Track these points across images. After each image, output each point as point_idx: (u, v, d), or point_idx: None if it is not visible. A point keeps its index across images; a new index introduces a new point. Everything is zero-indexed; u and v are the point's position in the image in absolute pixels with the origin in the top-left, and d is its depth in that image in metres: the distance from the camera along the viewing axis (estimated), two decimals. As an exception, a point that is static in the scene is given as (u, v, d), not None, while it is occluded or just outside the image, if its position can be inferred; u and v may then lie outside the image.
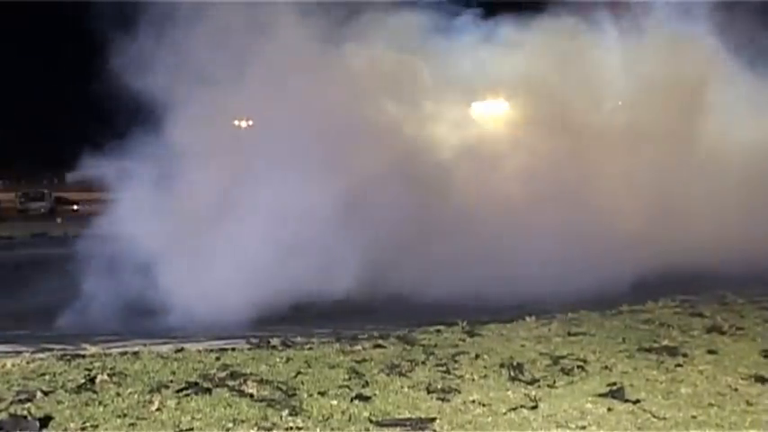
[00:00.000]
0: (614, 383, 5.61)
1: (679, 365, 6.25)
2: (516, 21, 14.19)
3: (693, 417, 4.91)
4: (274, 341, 7.40)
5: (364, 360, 6.50)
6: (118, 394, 5.33)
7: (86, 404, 5.09)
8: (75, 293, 10.74)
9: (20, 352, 7.05)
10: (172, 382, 5.68)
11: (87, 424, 4.69)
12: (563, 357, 6.53)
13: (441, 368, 6.20)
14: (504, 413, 4.98)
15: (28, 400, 5.18)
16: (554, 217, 12.44)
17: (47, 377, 5.89)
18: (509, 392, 5.46)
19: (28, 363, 6.37)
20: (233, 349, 7.06)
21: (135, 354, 6.76)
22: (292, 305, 10.37)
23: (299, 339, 7.53)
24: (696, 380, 5.80)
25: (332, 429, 4.67)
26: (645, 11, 15.11)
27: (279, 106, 11.67)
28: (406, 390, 5.55)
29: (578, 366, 6.18)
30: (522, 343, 7.24)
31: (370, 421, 4.81)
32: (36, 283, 12.40)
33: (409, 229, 11.64)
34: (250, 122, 14.01)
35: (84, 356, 6.70)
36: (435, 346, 7.15)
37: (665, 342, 7.10)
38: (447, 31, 13.87)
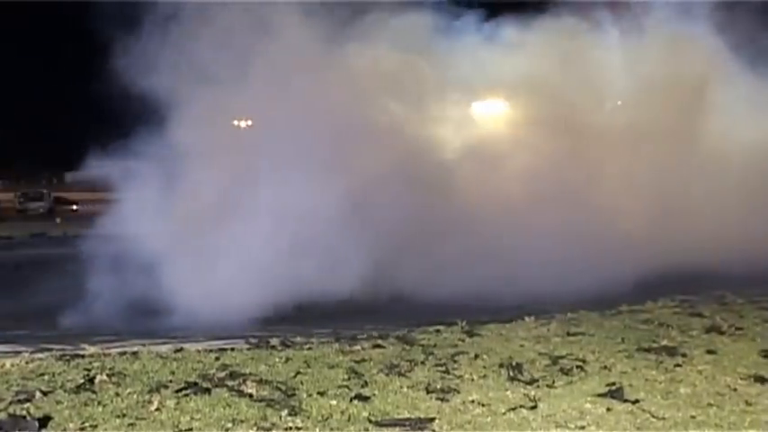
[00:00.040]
0: (613, 383, 5.61)
1: (678, 365, 6.25)
2: (518, 21, 14.21)
3: (692, 417, 4.91)
4: (273, 341, 7.40)
5: (363, 360, 6.51)
6: (117, 394, 5.33)
7: (85, 404, 5.09)
8: (75, 293, 10.74)
9: (19, 352, 7.06)
10: (171, 382, 5.68)
11: (86, 424, 4.69)
12: (562, 357, 6.53)
13: (440, 368, 6.20)
14: (504, 413, 4.98)
15: (27, 400, 5.18)
16: (556, 217, 12.44)
17: (46, 377, 5.89)
18: (508, 392, 5.46)
19: (27, 363, 6.37)
20: (232, 349, 7.06)
21: (134, 354, 6.76)
22: (296, 305, 10.37)
23: (298, 339, 7.53)
24: (695, 380, 5.80)
25: (331, 429, 4.67)
26: (645, 11, 15.11)
27: (282, 106, 11.68)
28: (405, 390, 5.55)
29: (577, 366, 6.18)
30: (521, 343, 7.24)
31: (370, 421, 4.81)
32: (35, 283, 12.40)
33: (412, 230, 11.66)
34: (249, 122, 14.02)
35: (83, 356, 6.70)
36: (434, 346, 7.15)
37: (665, 342, 7.10)
38: (449, 32, 13.89)
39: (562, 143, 13.49)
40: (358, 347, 7.02)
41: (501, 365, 6.23)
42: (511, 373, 5.98)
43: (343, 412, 4.97)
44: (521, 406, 5.11)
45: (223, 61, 11.66)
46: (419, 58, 13.34)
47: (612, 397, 5.28)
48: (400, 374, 5.99)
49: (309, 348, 7.06)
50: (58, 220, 35.62)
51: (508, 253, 11.67)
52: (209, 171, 11.47)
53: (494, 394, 5.41)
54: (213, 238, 11.03)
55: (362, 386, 5.63)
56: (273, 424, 4.71)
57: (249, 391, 5.40)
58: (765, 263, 11.88)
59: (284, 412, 4.91)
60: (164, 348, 7.07)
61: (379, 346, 7.13)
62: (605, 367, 6.20)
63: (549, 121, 13.63)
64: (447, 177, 13.01)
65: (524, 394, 5.41)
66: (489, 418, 4.88)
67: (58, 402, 5.13)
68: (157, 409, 4.97)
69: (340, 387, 5.60)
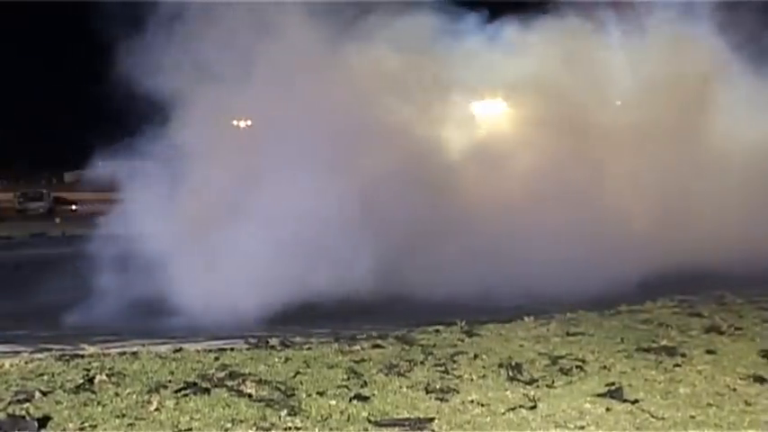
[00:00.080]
0: (613, 383, 5.61)
1: (677, 365, 6.25)
2: (521, 22, 14.23)
3: (692, 417, 4.91)
4: (273, 341, 7.40)
5: (363, 360, 6.50)
6: (116, 394, 5.33)
7: (85, 404, 5.09)
8: (75, 293, 10.75)
9: (18, 352, 7.06)
10: (170, 382, 5.68)
11: (86, 424, 4.69)
12: (562, 357, 6.53)
13: (439, 368, 6.20)
14: (503, 413, 4.98)
15: (26, 400, 5.17)
16: (558, 217, 12.46)
17: (45, 377, 5.88)
18: (508, 392, 5.46)
19: (26, 363, 6.37)
20: (231, 349, 7.06)
21: (133, 354, 6.76)
22: (298, 305, 10.36)
23: (297, 339, 7.54)
24: (695, 380, 5.80)
25: (330, 429, 4.67)
26: (648, 11, 15.12)
27: (286, 107, 11.70)
28: (404, 390, 5.55)
29: (577, 366, 6.18)
30: (520, 343, 7.24)
31: (369, 421, 4.81)
32: (35, 283, 12.40)
33: (414, 230, 11.68)
34: (249, 122, 14.02)
35: (82, 356, 6.70)
36: (434, 346, 7.15)
37: (664, 342, 7.10)
38: (453, 33, 13.90)
39: (565, 143, 13.51)
40: (357, 347, 7.02)
41: (500, 365, 6.22)
42: (510, 373, 5.98)
43: (342, 412, 4.97)
44: (520, 406, 5.11)
45: (228, 61, 11.67)
46: (422, 58, 13.36)
47: (612, 397, 5.28)
48: (399, 374, 5.99)
49: (309, 348, 7.06)
50: (57, 220, 35.64)
51: (510, 253, 11.68)
52: (211, 171, 11.48)
53: (493, 394, 5.41)
54: (216, 239, 11.04)
55: (362, 386, 5.63)
56: (273, 424, 4.70)
57: (248, 391, 5.40)
58: (765, 263, 11.89)
59: (283, 412, 4.91)
60: (163, 348, 7.07)
61: (378, 346, 7.13)
62: (605, 367, 6.20)
63: (552, 122, 13.64)
64: (450, 178, 13.03)
65: (524, 394, 5.41)
66: (489, 418, 4.88)
67: (58, 402, 5.13)
68: (157, 409, 4.97)
69: (339, 387, 5.59)
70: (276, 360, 6.51)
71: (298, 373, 6.02)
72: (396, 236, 11.37)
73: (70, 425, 4.67)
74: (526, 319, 8.51)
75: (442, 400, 5.27)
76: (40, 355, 6.81)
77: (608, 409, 5.05)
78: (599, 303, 9.46)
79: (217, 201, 11.29)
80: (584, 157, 13.49)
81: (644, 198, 13.74)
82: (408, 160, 12.22)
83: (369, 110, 12.31)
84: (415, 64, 13.22)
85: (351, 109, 11.99)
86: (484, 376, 5.94)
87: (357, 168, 11.62)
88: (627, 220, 13.24)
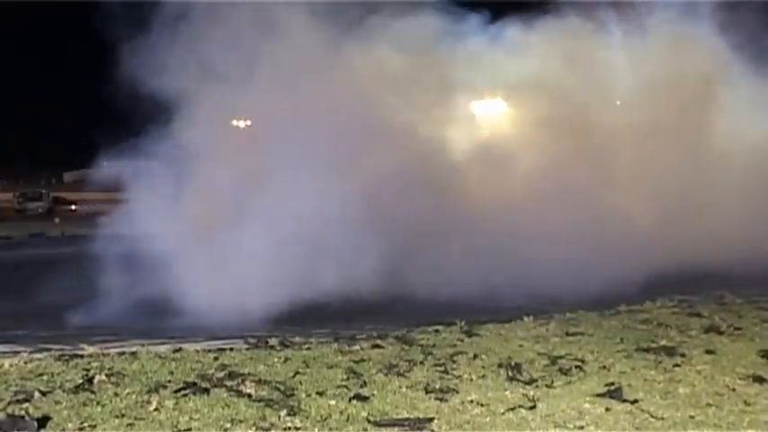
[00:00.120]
0: (612, 383, 5.61)
1: (677, 365, 6.25)
2: (523, 22, 14.25)
3: (691, 417, 4.91)
4: (272, 341, 7.40)
5: (362, 360, 6.50)
6: (116, 394, 5.33)
7: (84, 404, 5.08)
8: (75, 294, 10.75)
9: (18, 352, 7.05)
10: (170, 382, 5.68)
11: (85, 424, 4.69)
12: (561, 357, 6.53)
13: (439, 368, 6.20)
14: (503, 413, 4.98)
15: (26, 400, 5.17)
16: (562, 217, 12.48)
17: (45, 377, 5.88)
18: (507, 392, 5.46)
19: (26, 363, 6.36)
20: (231, 349, 7.06)
21: (133, 354, 6.76)
22: (304, 306, 10.35)
23: (297, 339, 7.53)
24: (694, 380, 5.80)
25: (330, 429, 4.66)
26: (649, 11, 15.13)
27: (291, 107, 11.71)
28: (404, 390, 5.55)
29: (576, 366, 6.18)
30: (520, 343, 7.24)
31: (369, 421, 4.81)
32: (34, 283, 12.40)
33: (420, 230, 11.71)
34: (248, 123, 14.03)
35: (82, 357, 6.69)
36: (433, 346, 7.15)
37: (663, 342, 7.10)
38: (455, 34, 13.92)
39: (566, 143, 13.53)
40: (357, 347, 7.02)
41: (500, 365, 6.23)
42: (510, 373, 5.98)
43: (341, 412, 4.97)
44: (520, 406, 5.11)
45: (233, 61, 11.67)
46: (426, 59, 13.38)
47: (611, 397, 5.28)
48: (399, 374, 5.99)
49: (308, 348, 7.06)
50: (56, 220, 35.64)
51: (512, 253, 11.71)
52: (216, 171, 11.49)
53: (493, 394, 5.41)
54: (221, 239, 11.04)
55: (361, 386, 5.63)
56: (272, 424, 4.70)
57: (248, 391, 5.39)
58: (764, 263, 11.90)
59: (283, 412, 4.91)
60: (162, 348, 7.07)
61: (378, 346, 7.13)
62: (604, 367, 6.20)
63: (554, 122, 13.65)
64: (453, 178, 13.07)
65: (523, 394, 5.41)
66: (488, 418, 4.88)
67: (57, 402, 5.13)
68: (156, 410, 4.97)
69: (339, 387, 5.59)
70: (276, 360, 6.50)
71: (297, 373, 6.02)
72: (399, 236, 11.38)
73: (69, 425, 4.67)
74: (526, 319, 8.51)
75: (441, 400, 5.27)
76: (39, 355, 6.81)
77: (607, 409, 5.05)
78: (598, 303, 9.46)
79: (221, 201, 11.30)
80: (586, 157, 13.50)
81: (645, 198, 13.74)
82: (411, 160, 12.25)
83: (372, 110, 12.33)
84: (419, 64, 13.25)
85: (355, 109, 12.01)
86: (483, 376, 5.94)
87: (361, 169, 11.64)
88: (628, 219, 13.25)
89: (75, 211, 42.20)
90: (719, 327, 7.83)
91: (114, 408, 5.01)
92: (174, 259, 10.86)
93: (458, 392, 5.44)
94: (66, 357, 6.64)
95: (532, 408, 5.08)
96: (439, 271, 11.51)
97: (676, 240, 12.83)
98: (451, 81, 13.75)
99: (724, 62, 14.82)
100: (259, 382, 5.65)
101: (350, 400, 5.22)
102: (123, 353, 6.82)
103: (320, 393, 5.40)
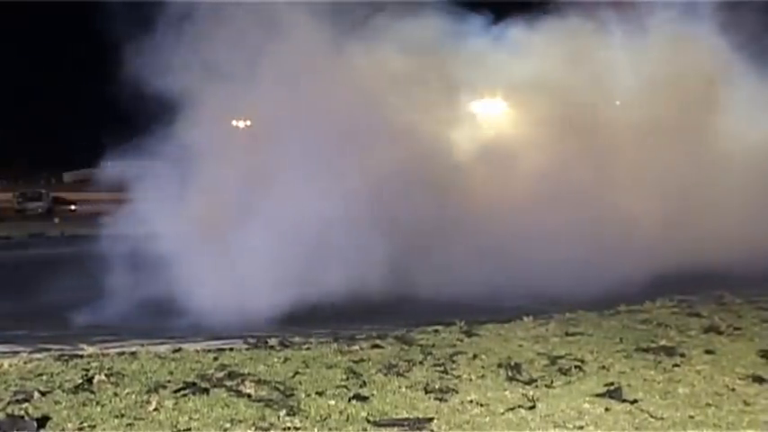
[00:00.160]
0: (612, 383, 5.61)
1: (676, 365, 6.25)
2: (525, 22, 14.27)
3: (691, 417, 4.91)
4: (272, 341, 7.40)
5: (362, 360, 6.50)
6: (115, 394, 5.33)
7: (84, 404, 5.09)
8: (75, 294, 10.75)
9: (17, 352, 7.05)
10: (169, 382, 5.68)
11: (85, 424, 4.69)
12: (561, 357, 6.53)
13: (438, 368, 6.20)
14: (502, 413, 4.98)
15: (25, 400, 5.17)
16: (564, 217, 12.50)
17: (44, 377, 5.88)
18: (507, 392, 5.46)
19: (25, 363, 6.37)
20: (231, 349, 7.06)
21: (132, 354, 6.76)
22: (307, 306, 10.34)
23: (296, 339, 7.53)
24: (694, 380, 5.80)
25: (329, 429, 4.67)
26: (650, 10, 15.13)
27: (294, 107, 11.71)
28: (403, 390, 5.55)
29: (576, 366, 6.19)
30: (519, 343, 7.24)
31: (368, 421, 4.81)
32: (34, 283, 12.40)
33: (423, 230, 11.72)
34: (248, 123, 14.03)
35: (81, 357, 6.69)
36: (433, 346, 7.15)
37: (663, 342, 7.10)
38: (459, 34, 13.94)
39: (568, 143, 13.53)
40: (356, 347, 7.02)
41: (499, 365, 6.23)
42: (509, 373, 5.98)
43: (341, 412, 4.97)
44: (519, 406, 5.11)
45: (237, 61, 11.67)
46: (429, 59, 13.38)
47: (611, 397, 5.29)
48: (399, 374, 5.99)
49: (308, 348, 7.06)
50: (56, 220, 35.64)
51: (514, 253, 11.72)
52: (220, 171, 11.49)
53: (492, 394, 5.41)
54: (225, 239, 11.04)
55: (361, 386, 5.63)
56: (272, 424, 4.70)
57: (247, 391, 5.40)
58: (764, 263, 11.90)
59: (282, 412, 4.91)
60: (162, 348, 7.07)
61: (377, 346, 7.13)
62: (604, 367, 6.21)
63: (556, 122, 13.66)
64: (456, 178, 13.07)
65: (523, 394, 5.41)
66: (488, 418, 4.88)
67: (57, 402, 5.13)
68: (156, 410, 4.97)
69: (338, 387, 5.59)
70: (275, 360, 6.51)
71: (297, 373, 6.02)
72: (402, 236, 11.39)
73: (69, 425, 4.67)
74: (525, 319, 8.52)
75: (441, 400, 5.27)
76: (38, 356, 6.81)
77: (607, 409, 5.05)
78: (598, 303, 9.46)
79: (225, 201, 11.30)
80: (587, 157, 13.51)
81: (645, 198, 13.75)
82: (414, 161, 12.26)
83: (376, 110, 12.34)
84: (422, 65, 13.26)
85: (358, 109, 12.02)
86: (483, 376, 5.94)
87: (364, 169, 11.63)
88: (628, 219, 13.25)
89: (74, 211, 42.21)
90: (719, 327, 7.84)
91: (114, 408, 5.01)
92: (178, 259, 10.86)
93: (457, 392, 5.44)
94: (66, 357, 6.64)
95: (532, 408, 5.08)
96: (441, 271, 11.52)
97: (677, 240, 12.83)
98: (454, 81, 13.77)
99: (725, 62, 14.82)
100: (259, 382, 5.65)
101: (349, 400, 5.22)
102: (123, 353, 6.83)
103: (320, 393, 5.40)
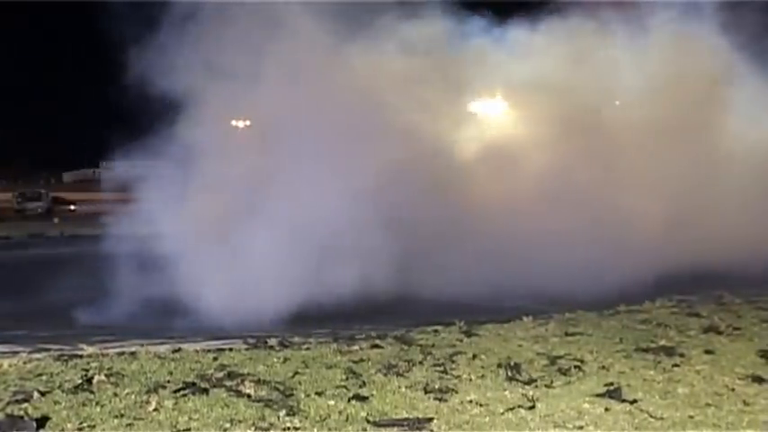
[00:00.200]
0: (611, 383, 5.61)
1: (676, 365, 6.25)
2: (527, 23, 14.28)
3: (690, 417, 4.91)
4: (271, 341, 7.40)
5: (361, 360, 6.50)
6: (115, 394, 5.33)
7: (83, 404, 5.09)
8: (75, 294, 10.75)
9: (17, 352, 7.05)
10: (169, 382, 5.68)
11: (84, 424, 4.69)
12: (560, 357, 6.53)
13: (438, 368, 6.20)
14: (502, 413, 4.98)
15: (25, 400, 5.17)
16: (566, 218, 12.49)
17: (44, 377, 5.88)
18: (506, 392, 5.46)
19: (25, 363, 6.37)
20: (230, 349, 7.06)
21: (132, 354, 6.76)
22: (309, 306, 10.34)
23: (296, 339, 7.53)
24: (693, 380, 5.80)
25: (329, 429, 4.67)
26: (651, 10, 15.13)
27: (297, 107, 11.71)
28: (403, 390, 5.55)
29: (575, 366, 6.19)
30: (519, 343, 7.24)
31: (368, 421, 4.81)
32: (34, 283, 12.40)
33: (427, 231, 11.73)
34: (247, 123, 14.03)
35: (81, 357, 6.69)
36: (433, 346, 7.15)
37: (663, 342, 7.10)
38: (462, 35, 13.96)
39: (571, 144, 13.53)
40: (356, 348, 7.02)
41: (499, 365, 6.23)
42: (509, 373, 5.98)
43: (341, 412, 4.97)
44: (519, 406, 5.11)
45: (241, 61, 11.68)
46: (433, 60, 13.38)
47: (611, 397, 5.29)
48: (398, 374, 5.99)
49: (307, 348, 7.06)
50: (55, 220, 35.64)
51: (516, 254, 11.72)
52: (224, 171, 11.50)
53: (492, 394, 5.42)
54: (229, 239, 11.04)
55: (360, 386, 5.63)
56: (271, 424, 4.71)
57: (247, 391, 5.40)
58: (763, 263, 11.90)
59: (282, 412, 4.91)
60: (162, 348, 7.07)
61: (377, 346, 7.13)
62: (603, 367, 6.21)
63: (558, 122, 13.66)
64: (459, 179, 13.07)
65: (522, 394, 5.41)
66: (487, 418, 4.88)
67: (56, 403, 5.13)
68: (155, 410, 4.97)
69: (338, 387, 5.59)
70: (275, 360, 6.51)
71: (296, 373, 6.02)
72: (406, 237, 11.39)
73: (69, 425, 4.67)
74: (525, 319, 8.52)
75: (440, 400, 5.27)
76: (38, 356, 6.81)
77: (607, 409, 5.05)
78: (598, 303, 9.46)
79: (228, 201, 11.30)
80: (590, 157, 13.51)
81: (647, 198, 13.74)
82: (417, 161, 12.25)
83: (378, 111, 12.34)
84: (425, 65, 13.27)
85: (360, 110, 12.02)
86: (483, 376, 5.94)
87: (367, 169, 11.63)
88: (630, 220, 13.25)
89: (74, 211, 42.22)
90: (719, 327, 7.83)
91: (113, 408, 5.01)
92: (181, 259, 10.86)
93: (457, 392, 5.44)
94: (66, 357, 6.64)
95: (532, 408, 5.08)
96: (443, 271, 11.53)
97: (677, 240, 12.83)
98: (457, 82, 13.77)
99: (726, 62, 14.81)
100: (258, 382, 5.65)
101: (349, 401, 5.22)
102: (122, 353, 6.82)
103: (319, 393, 5.40)
